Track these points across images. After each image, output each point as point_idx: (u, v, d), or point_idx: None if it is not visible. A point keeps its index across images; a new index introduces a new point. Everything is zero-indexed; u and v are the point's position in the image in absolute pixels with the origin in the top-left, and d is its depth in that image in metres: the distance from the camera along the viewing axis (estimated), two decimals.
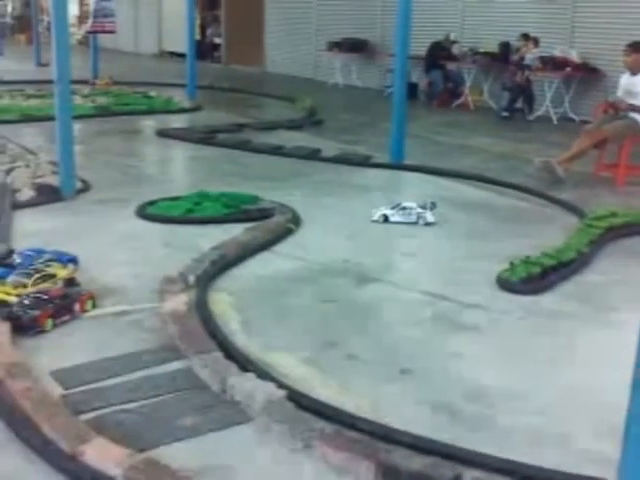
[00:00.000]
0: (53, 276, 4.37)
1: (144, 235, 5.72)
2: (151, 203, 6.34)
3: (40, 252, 4.74)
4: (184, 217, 6.04)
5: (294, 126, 11.05)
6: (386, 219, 6.16)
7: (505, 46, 13.30)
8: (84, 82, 14.35)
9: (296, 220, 6.03)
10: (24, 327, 3.85)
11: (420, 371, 3.68)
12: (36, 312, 3.90)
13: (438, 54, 14.10)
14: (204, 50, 22.06)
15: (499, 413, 3.30)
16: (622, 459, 1.90)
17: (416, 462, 2.74)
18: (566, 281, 4.90)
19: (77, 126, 7.29)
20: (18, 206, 6.21)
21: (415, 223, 6.13)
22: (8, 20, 32.03)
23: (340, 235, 5.89)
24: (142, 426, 3.06)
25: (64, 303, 4.06)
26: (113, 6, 15.60)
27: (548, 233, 5.94)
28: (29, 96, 13.07)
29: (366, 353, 3.86)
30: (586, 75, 12.13)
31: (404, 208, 6.19)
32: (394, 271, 5.20)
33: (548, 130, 11.50)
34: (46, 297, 4.03)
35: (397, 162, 8.48)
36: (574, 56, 12.19)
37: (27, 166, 7.41)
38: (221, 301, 4.42)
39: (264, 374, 3.43)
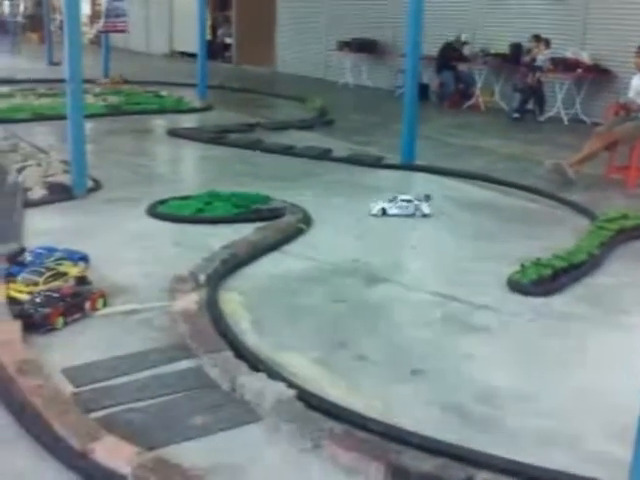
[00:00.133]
0: (64, 274, 4.38)
1: (155, 234, 5.74)
2: (162, 202, 6.36)
3: (51, 250, 4.77)
4: (195, 216, 6.05)
5: (305, 126, 11.06)
6: (384, 212, 6.32)
7: (516, 47, 13.27)
8: (91, 81, 14.20)
9: (307, 220, 6.04)
10: (35, 325, 3.87)
11: (431, 372, 3.67)
12: (47, 310, 3.92)
13: (449, 55, 14.08)
14: (215, 50, 22.12)
15: (509, 414, 3.30)
16: (634, 461, 1.90)
17: (426, 463, 2.74)
18: (577, 283, 4.89)
19: (88, 125, 7.31)
20: (29, 204, 6.24)
21: (412, 215, 6.31)
22: (20, 19, 32.20)
23: (350, 235, 5.89)
24: (152, 425, 3.07)
25: (75, 301, 4.08)
26: (125, 6, 15.68)
27: (559, 235, 5.93)
28: (41, 95, 13.11)
29: (376, 354, 3.85)
30: (597, 76, 12.09)
31: (401, 201, 6.38)
32: (404, 271, 5.20)
33: (559, 132, 11.47)
34: (57, 295, 4.05)
35: (408, 163, 8.47)
36: (585, 57, 12.15)
37: (39, 165, 7.43)
38: (231, 300, 4.43)
39: (274, 374, 3.43)
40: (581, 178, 7.80)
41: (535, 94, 12.60)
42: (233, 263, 4.93)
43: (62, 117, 7.29)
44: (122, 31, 16.45)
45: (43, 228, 5.64)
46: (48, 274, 4.31)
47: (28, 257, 4.68)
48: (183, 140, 9.90)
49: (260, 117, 11.82)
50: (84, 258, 4.77)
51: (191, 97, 13.56)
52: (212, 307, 4.17)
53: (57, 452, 2.84)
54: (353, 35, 16.66)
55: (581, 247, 5.31)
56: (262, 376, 3.35)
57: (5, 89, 13.64)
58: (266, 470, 2.85)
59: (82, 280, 4.41)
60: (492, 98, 13.79)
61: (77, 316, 4.06)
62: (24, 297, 4.09)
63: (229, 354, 3.58)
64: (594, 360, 3.92)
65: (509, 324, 4.32)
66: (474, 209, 6.78)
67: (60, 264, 4.50)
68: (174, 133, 10.19)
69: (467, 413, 3.30)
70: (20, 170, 7.17)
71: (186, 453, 2.88)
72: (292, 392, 3.21)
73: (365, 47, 16.60)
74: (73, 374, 3.47)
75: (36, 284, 4.21)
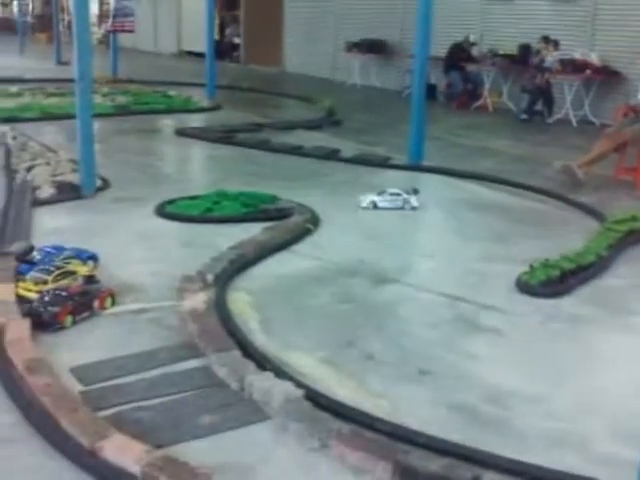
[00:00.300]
0: (73, 273, 4.39)
1: (163, 233, 5.75)
2: (170, 202, 6.37)
3: (60, 249, 4.77)
4: (203, 216, 6.05)
5: (313, 126, 11.07)
6: (375, 206, 6.46)
7: (525, 48, 13.25)
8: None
9: (315, 220, 6.04)
10: (44, 323, 3.88)
11: (438, 372, 3.67)
12: (56, 309, 3.93)
13: (458, 55, 14.07)
14: (223, 50, 22.15)
15: (517, 415, 3.29)
16: None
17: (433, 463, 2.74)
18: (585, 285, 4.87)
19: (96, 125, 7.31)
20: (38, 203, 6.26)
21: (402, 208, 6.48)
22: (29, 19, 32.31)
23: (358, 235, 5.89)
24: (161, 423, 3.08)
25: (84, 300, 4.09)
26: (133, 5, 15.74)
27: (567, 236, 5.91)
28: (49, 94, 13.16)
29: (384, 354, 3.85)
30: (606, 78, 12.05)
31: (391, 194, 6.53)
32: (412, 272, 5.19)
33: (568, 133, 11.44)
34: (66, 294, 4.06)
35: (416, 163, 8.46)
36: (594, 59, 12.12)
37: (47, 164, 7.45)
38: (240, 300, 4.43)
39: (282, 373, 3.43)
40: (590, 179, 7.77)
41: (544, 95, 12.57)
42: (241, 263, 4.93)
43: (71, 116, 7.31)
44: (130, 31, 16.52)
45: (52, 227, 5.66)
46: (57, 273, 4.31)
47: (37, 256, 4.68)
48: (191, 140, 9.91)
49: (268, 117, 11.85)
50: (93, 257, 4.78)
51: (199, 97, 13.58)
52: (220, 307, 4.18)
53: (66, 450, 2.84)
54: (361, 35, 16.66)
55: (590, 248, 5.30)
56: (270, 375, 3.35)
57: (14, 88, 13.67)
58: (274, 469, 2.85)
59: (91, 279, 4.41)
60: (500, 99, 13.77)
61: (86, 315, 4.07)
62: (33, 296, 4.10)
63: (237, 353, 3.59)
64: (602, 362, 3.91)
65: (518, 325, 4.31)
66: (483, 210, 6.77)
67: (69, 263, 4.51)
68: (182, 133, 10.21)
69: (475, 414, 3.29)
70: (29, 169, 7.20)
71: (194, 451, 2.88)
72: (300, 391, 3.21)
73: (373, 48, 16.60)
74: (82, 372, 3.48)
75: (45, 283, 4.22)
